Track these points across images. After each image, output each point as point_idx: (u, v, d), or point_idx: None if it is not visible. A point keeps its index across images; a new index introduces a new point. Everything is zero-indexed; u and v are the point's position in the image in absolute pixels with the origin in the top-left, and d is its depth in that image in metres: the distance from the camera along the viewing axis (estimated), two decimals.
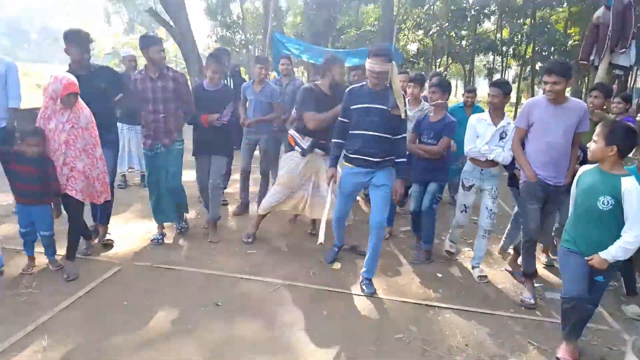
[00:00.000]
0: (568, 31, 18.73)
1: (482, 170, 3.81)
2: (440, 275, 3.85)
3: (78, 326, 2.78)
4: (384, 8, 15.63)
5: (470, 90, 5.73)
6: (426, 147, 3.99)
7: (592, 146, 2.63)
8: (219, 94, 4.24)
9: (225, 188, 5.24)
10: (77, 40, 3.75)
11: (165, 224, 4.32)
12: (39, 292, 3.16)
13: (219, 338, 2.75)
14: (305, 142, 3.99)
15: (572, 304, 2.62)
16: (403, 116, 3.38)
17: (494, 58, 20.94)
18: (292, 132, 4.12)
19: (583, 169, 2.78)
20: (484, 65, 24.60)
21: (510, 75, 21.62)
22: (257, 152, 5.04)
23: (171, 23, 13.34)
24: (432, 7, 19.80)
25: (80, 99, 3.40)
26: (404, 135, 3.49)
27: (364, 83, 3.50)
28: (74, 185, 3.36)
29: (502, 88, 3.71)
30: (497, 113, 3.75)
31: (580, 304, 2.61)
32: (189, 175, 4.79)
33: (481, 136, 3.77)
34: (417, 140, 4.08)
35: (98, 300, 3.11)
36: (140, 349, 2.60)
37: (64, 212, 3.52)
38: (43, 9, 63.26)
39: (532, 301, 3.35)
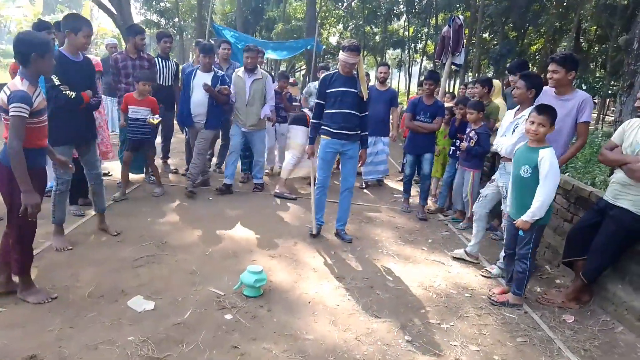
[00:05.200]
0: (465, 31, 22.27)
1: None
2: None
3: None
4: (308, 5, 17.86)
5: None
6: (425, 124, 5.28)
7: (540, 130, 3.10)
8: (86, 65, 3.71)
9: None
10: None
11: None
12: None
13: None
14: None
15: (508, 254, 3.57)
16: (365, 98, 4.22)
17: (401, 52, 24.18)
18: (308, 111, 5.74)
19: (518, 146, 3.38)
20: (394, 58, 27.97)
21: (416, 68, 25.07)
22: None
23: (114, 11, 14.60)
24: (350, 4, 22.46)
25: None
26: (367, 113, 4.32)
27: (336, 71, 4.26)
28: None
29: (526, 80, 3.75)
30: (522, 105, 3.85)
31: (510, 254, 3.51)
32: None
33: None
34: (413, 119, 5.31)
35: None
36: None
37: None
38: None
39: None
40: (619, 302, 3.35)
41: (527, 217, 3.15)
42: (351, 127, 4.23)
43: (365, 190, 6.60)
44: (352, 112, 4.20)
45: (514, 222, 3.29)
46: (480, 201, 4.18)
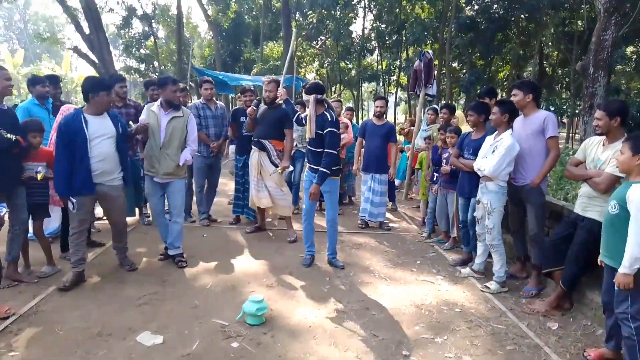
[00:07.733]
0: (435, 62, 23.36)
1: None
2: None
3: None
4: (284, 45, 18.51)
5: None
6: (466, 161, 4.54)
7: (620, 158, 2.67)
8: (7, 112, 3.70)
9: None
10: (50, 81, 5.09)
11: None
12: None
13: None
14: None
15: (604, 310, 2.92)
16: (307, 137, 4.33)
17: (376, 85, 25.05)
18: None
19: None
20: (370, 91, 28.94)
21: (392, 99, 25.93)
22: None
23: (95, 60, 14.90)
24: (324, 43, 23.38)
25: None
26: (329, 150, 4.22)
27: None
28: None
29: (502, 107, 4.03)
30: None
31: (609, 310, 2.88)
32: None
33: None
34: (459, 157, 4.68)
35: None
36: None
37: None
38: None
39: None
40: (597, 307, 3.58)
41: (624, 269, 2.52)
42: (316, 163, 4.39)
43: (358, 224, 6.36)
44: (313, 149, 4.43)
45: (615, 280, 2.68)
46: (480, 224, 4.27)
